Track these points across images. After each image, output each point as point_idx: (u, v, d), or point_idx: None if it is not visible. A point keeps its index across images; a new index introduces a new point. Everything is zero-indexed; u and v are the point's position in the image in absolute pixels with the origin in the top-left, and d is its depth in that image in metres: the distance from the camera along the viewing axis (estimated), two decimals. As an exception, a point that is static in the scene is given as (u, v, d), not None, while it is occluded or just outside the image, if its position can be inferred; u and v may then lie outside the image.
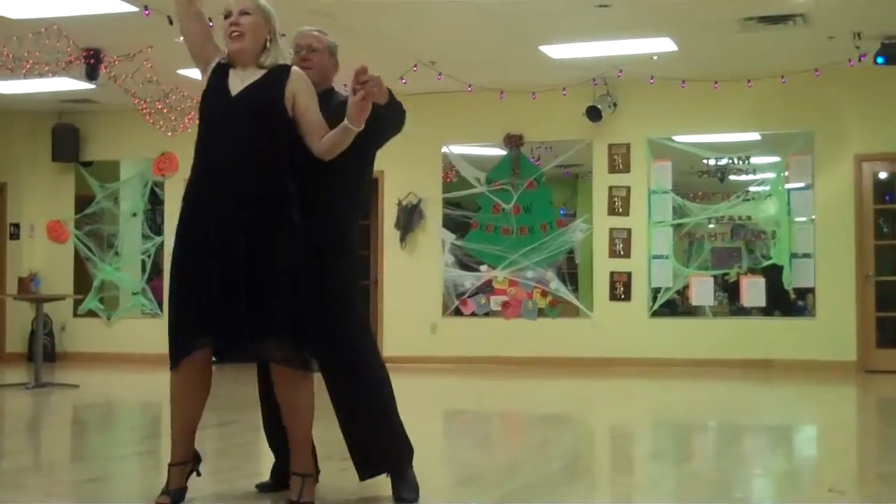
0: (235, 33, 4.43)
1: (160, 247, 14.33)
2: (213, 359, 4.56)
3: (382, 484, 4.70)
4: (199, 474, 4.61)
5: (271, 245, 4.34)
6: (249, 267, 4.30)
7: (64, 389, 10.53)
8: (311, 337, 4.41)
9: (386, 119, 4.56)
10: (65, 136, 14.59)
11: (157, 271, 14.43)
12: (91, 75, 11.28)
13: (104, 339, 14.38)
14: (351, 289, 4.73)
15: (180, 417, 4.54)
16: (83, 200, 14.83)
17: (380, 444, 4.66)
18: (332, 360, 4.64)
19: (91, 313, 14.55)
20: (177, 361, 4.40)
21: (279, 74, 4.47)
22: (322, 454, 5.12)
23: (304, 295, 4.40)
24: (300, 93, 4.45)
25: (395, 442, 4.69)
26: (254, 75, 4.46)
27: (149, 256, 14.47)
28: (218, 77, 4.48)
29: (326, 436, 5.36)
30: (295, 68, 4.53)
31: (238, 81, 4.44)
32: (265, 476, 4.99)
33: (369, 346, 4.79)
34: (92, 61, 11.09)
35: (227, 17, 4.47)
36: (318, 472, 4.92)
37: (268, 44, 4.51)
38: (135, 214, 14.62)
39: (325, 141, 4.41)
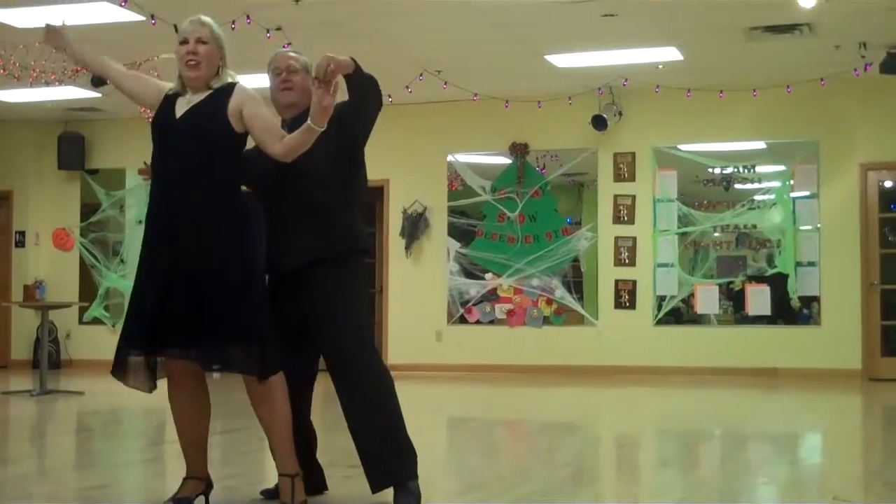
0: (192, 62, 4.51)
1: (166, 255, 14.30)
2: (216, 368, 4.61)
3: (388, 489, 4.70)
4: (207, 503, 4.64)
5: (222, 258, 4.41)
6: (199, 279, 4.38)
7: (69, 396, 10.54)
8: (270, 344, 4.45)
9: (358, 105, 4.63)
10: (71, 144, 14.62)
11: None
12: (97, 84, 11.29)
13: (109, 346, 14.17)
14: (353, 295, 4.74)
15: (182, 433, 4.63)
16: (89, 208, 14.85)
17: (388, 454, 4.65)
18: (338, 370, 4.66)
19: (96, 321, 14.56)
20: (115, 366, 4.61)
21: (223, 92, 4.53)
22: (327, 462, 5.13)
23: (255, 304, 4.46)
24: (246, 103, 4.49)
25: (402, 452, 4.68)
26: (199, 97, 4.54)
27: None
28: (166, 105, 4.59)
29: (331, 443, 5.37)
30: (239, 84, 4.59)
31: (184, 105, 4.54)
32: (270, 483, 5.00)
33: (375, 354, 4.80)
34: (98, 70, 11.10)
35: (183, 43, 4.54)
36: (325, 488, 4.95)
37: (220, 70, 4.58)
38: (140, 222, 14.60)
39: (287, 142, 4.45)
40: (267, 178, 4.65)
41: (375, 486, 4.65)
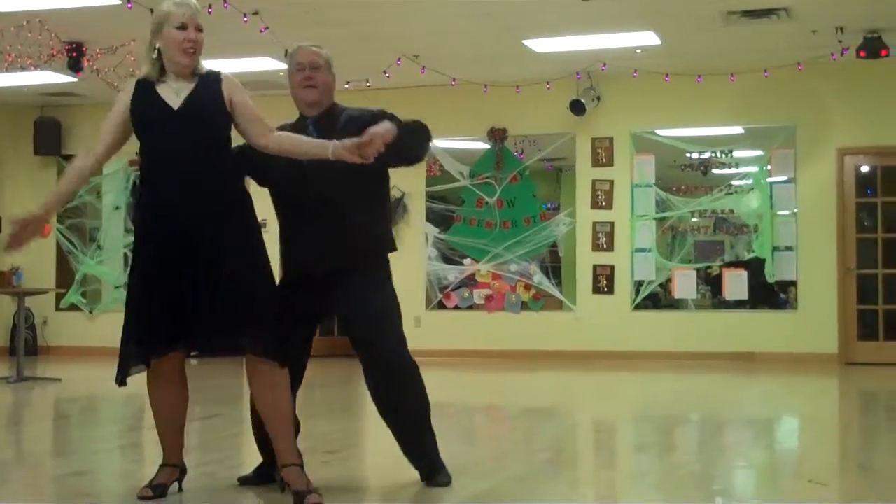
0: (192, 50, 4.46)
1: (143, 240, 14.27)
2: (194, 354, 4.60)
3: (366, 474, 4.71)
4: (180, 489, 4.65)
5: (235, 246, 4.40)
6: (218, 269, 4.36)
7: (46, 383, 10.50)
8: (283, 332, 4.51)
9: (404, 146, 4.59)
10: (47, 129, 14.54)
11: (139, 265, 14.40)
12: (73, 68, 11.24)
13: (86, 332, 14.33)
14: (388, 295, 4.92)
15: (163, 423, 4.61)
16: (65, 194, 14.75)
17: (428, 442, 4.88)
18: (377, 367, 4.80)
19: (73, 307, 14.50)
20: (127, 371, 4.47)
21: (211, 80, 4.50)
22: (305, 448, 5.12)
23: (272, 291, 4.53)
24: (236, 93, 4.50)
25: (434, 439, 4.91)
26: (187, 85, 4.48)
27: (131, 250, 14.39)
28: (146, 94, 4.48)
29: (309, 430, 5.36)
30: (224, 72, 4.57)
31: (173, 94, 4.46)
32: (249, 469, 5.00)
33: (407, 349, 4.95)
34: (74, 54, 11.04)
35: (181, 28, 4.45)
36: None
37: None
38: (117, 208, 14.57)
39: (284, 141, 4.46)
40: (290, 181, 4.63)
41: (426, 473, 4.84)
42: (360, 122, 4.63)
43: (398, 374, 4.82)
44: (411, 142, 4.66)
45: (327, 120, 4.78)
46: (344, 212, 4.69)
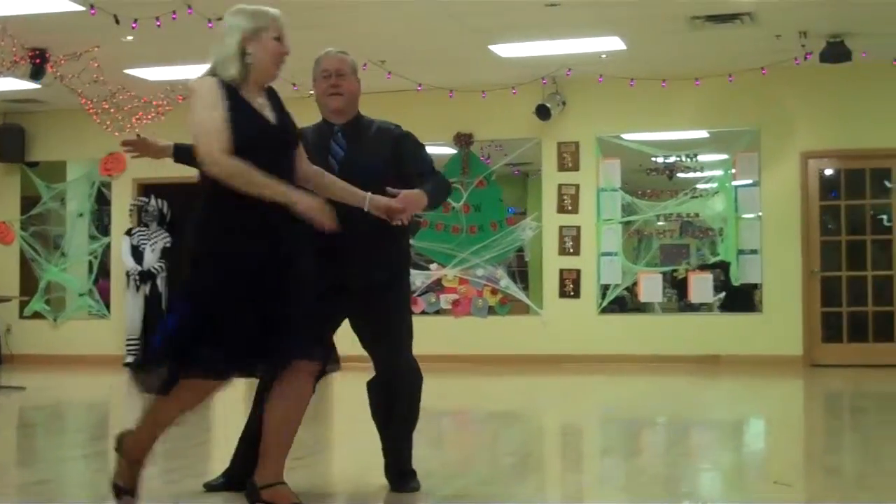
0: (282, 64, 4.35)
1: (107, 247, 14.23)
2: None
3: (333, 480, 4.70)
4: None
5: (305, 263, 4.34)
6: (302, 289, 4.29)
7: (10, 392, 10.41)
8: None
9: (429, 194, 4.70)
10: (10, 136, 14.43)
11: (104, 272, 14.34)
12: (36, 75, 11.16)
13: (51, 340, 14.22)
14: (408, 309, 5.07)
15: (163, 428, 4.41)
16: (29, 201, 14.66)
17: (410, 450, 4.98)
18: (393, 375, 4.93)
19: (37, 315, 14.39)
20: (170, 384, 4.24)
21: (274, 96, 4.40)
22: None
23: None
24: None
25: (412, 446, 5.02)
26: (264, 100, 4.33)
27: (95, 257, 14.35)
28: (239, 102, 4.23)
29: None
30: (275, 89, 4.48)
31: (259, 107, 4.29)
32: (213, 475, 4.98)
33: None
34: (38, 61, 10.97)
35: (278, 39, 4.35)
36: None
37: None
38: (81, 215, 14.48)
39: (324, 180, 4.45)
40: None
41: (401, 477, 4.89)
42: (391, 136, 4.84)
43: (410, 385, 4.96)
44: (433, 202, 4.73)
45: (355, 129, 4.82)
46: (383, 226, 4.63)
